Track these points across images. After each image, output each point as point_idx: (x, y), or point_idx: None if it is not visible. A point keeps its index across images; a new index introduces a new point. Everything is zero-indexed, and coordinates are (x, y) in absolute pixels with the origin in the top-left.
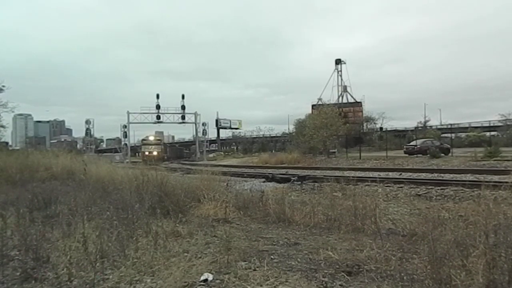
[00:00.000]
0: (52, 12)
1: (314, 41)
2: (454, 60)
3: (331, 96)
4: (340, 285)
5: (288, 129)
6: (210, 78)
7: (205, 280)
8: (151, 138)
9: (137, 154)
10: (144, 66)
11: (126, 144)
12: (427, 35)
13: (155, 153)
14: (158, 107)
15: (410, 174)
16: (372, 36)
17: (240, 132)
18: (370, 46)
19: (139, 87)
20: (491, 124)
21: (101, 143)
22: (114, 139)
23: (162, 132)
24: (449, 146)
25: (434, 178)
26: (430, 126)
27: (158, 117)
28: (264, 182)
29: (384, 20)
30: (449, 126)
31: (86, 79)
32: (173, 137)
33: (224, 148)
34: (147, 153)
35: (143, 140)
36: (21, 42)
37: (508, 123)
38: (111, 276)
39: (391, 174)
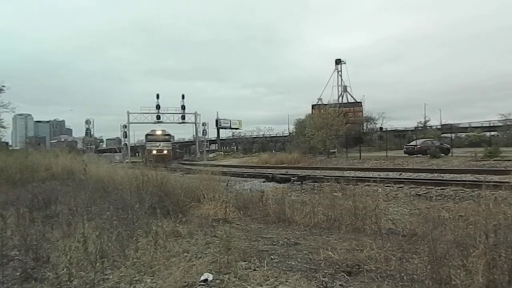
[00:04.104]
0: (45, 10)
1: (311, 40)
2: (453, 59)
3: (331, 96)
4: (340, 285)
5: (288, 129)
6: (207, 78)
7: (205, 280)
8: (159, 132)
9: (137, 154)
10: (141, 65)
11: (126, 144)
12: (425, 33)
13: (165, 151)
14: (158, 107)
15: (410, 174)
16: (370, 35)
17: (240, 132)
18: (368, 45)
19: (137, 87)
20: (491, 124)
21: (101, 143)
22: (114, 139)
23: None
24: (449, 146)
25: (434, 178)
26: (430, 126)
27: (158, 117)
28: (264, 182)
29: (381, 18)
30: (449, 126)
31: (83, 78)
32: (173, 137)
33: (224, 148)
34: (154, 151)
35: (148, 135)
36: (14, 41)
37: (508, 123)
38: (111, 276)
39: (391, 174)
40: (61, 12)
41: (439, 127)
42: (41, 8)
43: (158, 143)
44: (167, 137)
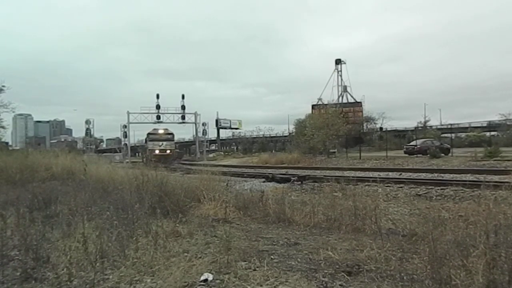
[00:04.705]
0: (44, 10)
1: (311, 40)
2: (453, 59)
3: (331, 96)
4: (340, 285)
5: (288, 129)
6: (207, 78)
7: (205, 280)
8: (161, 131)
9: (137, 154)
10: (140, 65)
11: (126, 144)
12: (425, 33)
13: (168, 151)
14: (158, 107)
15: (410, 174)
16: (370, 35)
17: (240, 132)
18: (368, 45)
19: (137, 87)
20: (491, 124)
21: (101, 143)
22: (114, 139)
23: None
24: (449, 146)
25: (434, 178)
26: (430, 126)
27: (158, 117)
28: (264, 182)
29: (381, 18)
30: (449, 126)
31: (83, 78)
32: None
33: (224, 148)
34: (157, 151)
35: (150, 134)
36: (14, 41)
37: (508, 123)
38: (111, 276)
39: (391, 174)
40: (61, 12)
41: (439, 127)
42: (41, 8)
43: (160, 143)
44: (169, 136)
